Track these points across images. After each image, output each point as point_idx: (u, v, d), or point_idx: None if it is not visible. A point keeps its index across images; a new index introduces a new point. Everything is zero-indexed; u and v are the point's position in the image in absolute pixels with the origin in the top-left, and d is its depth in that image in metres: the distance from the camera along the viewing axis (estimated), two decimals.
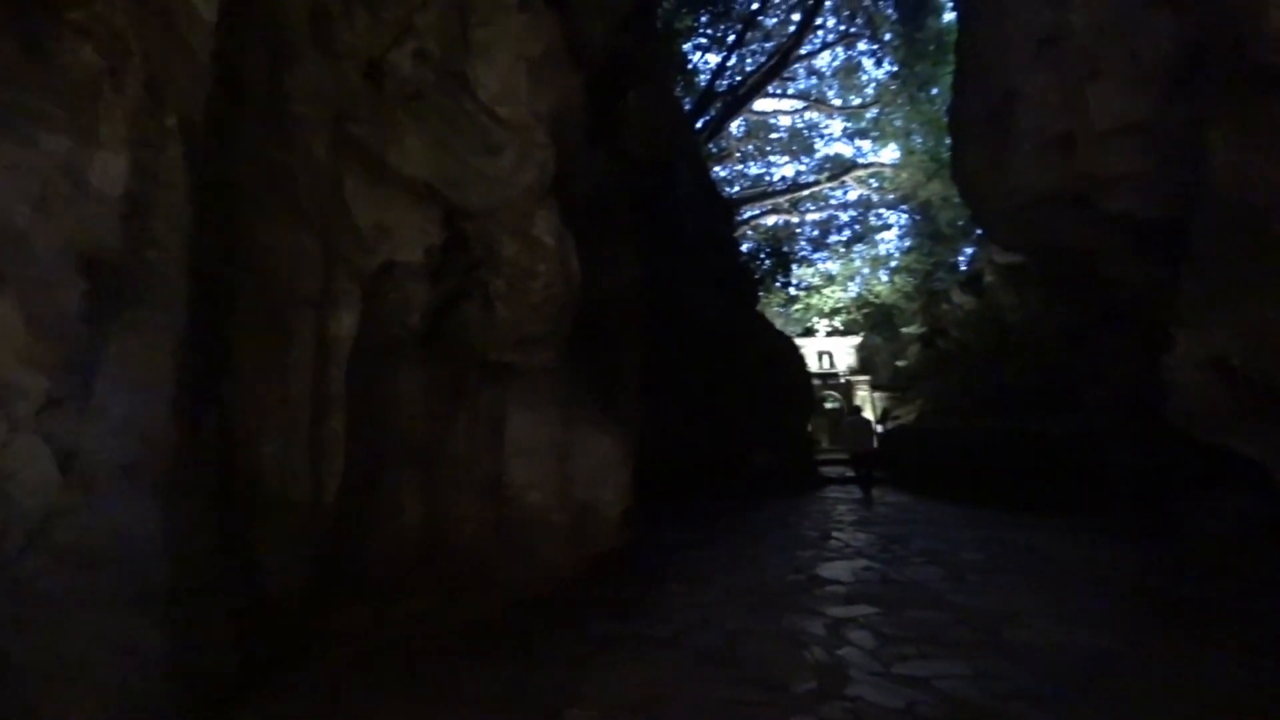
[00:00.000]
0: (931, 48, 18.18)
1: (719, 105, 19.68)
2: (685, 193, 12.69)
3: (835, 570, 5.68)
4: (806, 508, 10.35)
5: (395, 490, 4.79)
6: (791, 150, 26.63)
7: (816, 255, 28.50)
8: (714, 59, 19.57)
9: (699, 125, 18.94)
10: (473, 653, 3.88)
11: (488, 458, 5.15)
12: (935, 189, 21.18)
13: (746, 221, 25.99)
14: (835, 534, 7.58)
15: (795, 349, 16.70)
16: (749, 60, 20.60)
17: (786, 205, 26.73)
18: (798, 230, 28.15)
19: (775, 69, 20.08)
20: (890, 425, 21.59)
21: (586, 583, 5.16)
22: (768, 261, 22.57)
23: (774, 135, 26.57)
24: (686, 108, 18.08)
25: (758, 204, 25.85)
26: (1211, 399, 4.54)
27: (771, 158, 26.82)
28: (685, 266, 11.95)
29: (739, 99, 19.92)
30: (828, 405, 26.49)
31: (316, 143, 4.15)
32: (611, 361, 6.75)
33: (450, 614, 4.66)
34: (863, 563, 5.96)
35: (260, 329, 3.76)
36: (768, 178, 26.74)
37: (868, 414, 23.87)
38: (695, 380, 11.58)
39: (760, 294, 21.18)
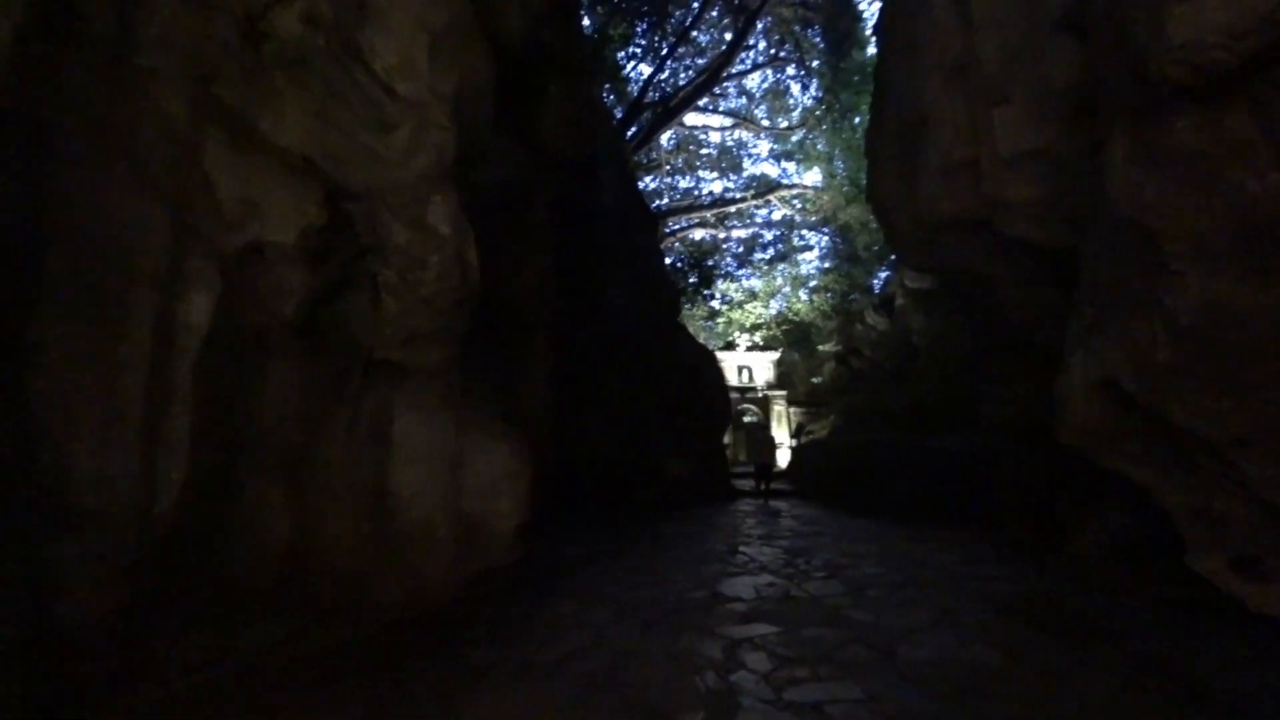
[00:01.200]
0: (855, 78, 18.86)
1: (649, 115, 19.69)
2: (610, 198, 12.48)
3: (738, 586, 5.52)
4: (717, 520, 10.24)
5: (258, 499, 4.27)
6: (720, 167, 27.05)
7: (740, 271, 29.08)
8: (646, 69, 19.59)
9: (629, 134, 18.85)
10: (331, 682, 3.46)
11: (369, 465, 4.69)
12: (854, 213, 21.95)
13: (674, 234, 26.15)
14: (742, 548, 7.46)
15: (714, 361, 16.74)
16: (681, 75, 20.77)
17: (713, 220, 27.11)
18: (724, 245, 28.61)
19: (706, 84, 20.33)
20: (804, 439, 22.05)
21: (473, 602, 4.78)
22: (692, 275, 22.73)
23: (704, 151, 26.93)
24: (617, 116, 17.98)
25: (685, 217, 26.07)
26: (1100, 421, 4.64)
27: (701, 173, 27.17)
28: (606, 272, 11.70)
29: (670, 110, 20.01)
30: (746, 419, 26.83)
31: (171, 100, 3.63)
32: (517, 364, 6.38)
33: (315, 638, 4.17)
34: (766, 578, 5.83)
35: (82, 309, 3.21)
36: (696, 192, 27.02)
37: (780, 428, 24.43)
38: (611, 388, 11.32)
39: (685, 305, 21.23)
